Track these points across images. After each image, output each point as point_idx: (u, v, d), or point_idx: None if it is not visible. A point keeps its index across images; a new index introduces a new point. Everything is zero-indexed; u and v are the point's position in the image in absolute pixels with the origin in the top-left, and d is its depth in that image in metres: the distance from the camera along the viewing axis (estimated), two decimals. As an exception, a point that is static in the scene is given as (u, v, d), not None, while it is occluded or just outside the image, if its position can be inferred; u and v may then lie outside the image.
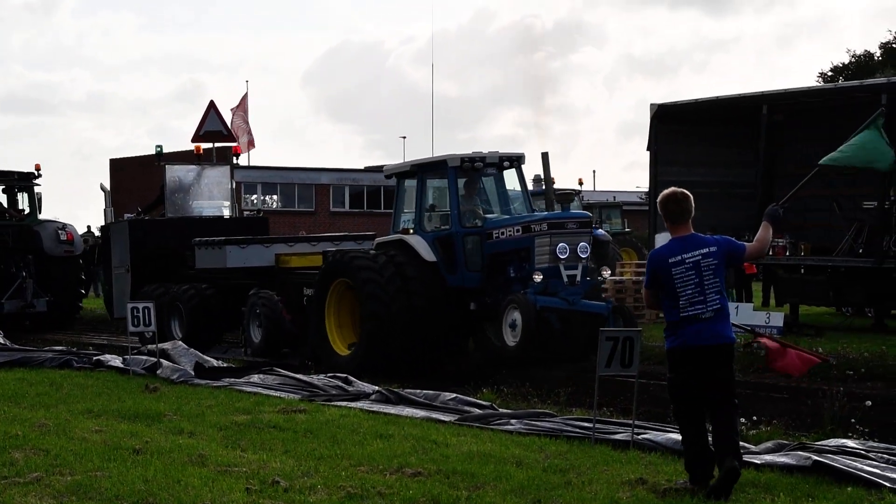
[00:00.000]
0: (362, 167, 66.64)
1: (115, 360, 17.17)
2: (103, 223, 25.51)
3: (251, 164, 55.06)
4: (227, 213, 25.16)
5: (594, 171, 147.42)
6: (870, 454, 9.26)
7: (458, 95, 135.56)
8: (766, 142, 21.85)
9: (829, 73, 62.65)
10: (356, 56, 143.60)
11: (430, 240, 17.48)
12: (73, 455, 10.28)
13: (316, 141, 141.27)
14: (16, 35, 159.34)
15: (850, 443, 9.70)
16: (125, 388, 14.95)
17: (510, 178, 18.34)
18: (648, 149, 23.58)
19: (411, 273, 17.16)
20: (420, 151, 71.11)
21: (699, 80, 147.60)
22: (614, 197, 53.84)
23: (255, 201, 57.46)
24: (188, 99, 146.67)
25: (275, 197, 59.57)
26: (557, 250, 16.17)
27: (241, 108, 47.68)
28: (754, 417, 11.13)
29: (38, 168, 27.62)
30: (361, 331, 17.40)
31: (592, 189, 64.43)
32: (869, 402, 12.17)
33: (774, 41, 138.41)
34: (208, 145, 26.95)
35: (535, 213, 17.29)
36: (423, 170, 17.93)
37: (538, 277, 16.02)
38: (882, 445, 9.65)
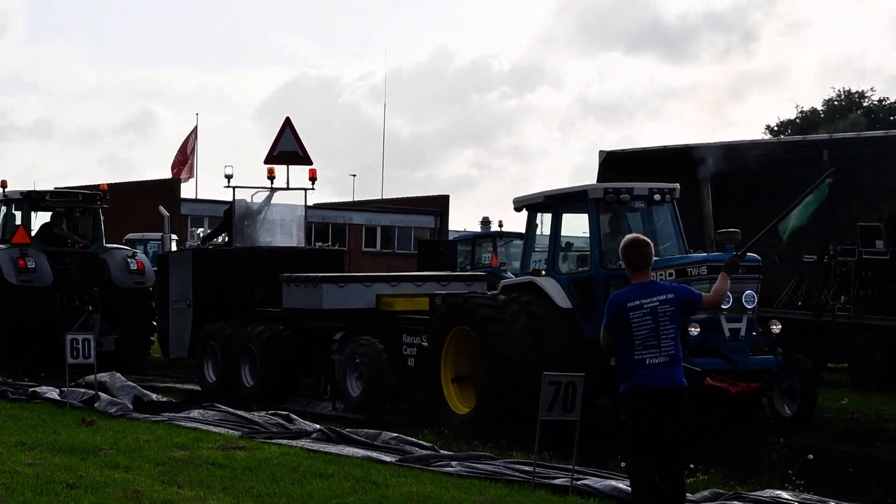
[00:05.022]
0: (311, 204, 66.67)
1: (52, 392, 16.91)
2: (162, 251, 22.76)
3: (198, 196, 54.94)
4: (300, 244, 22.81)
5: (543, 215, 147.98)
6: (802, 506, 9.37)
7: (410, 134, 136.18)
8: (710, 192, 22.08)
9: (776, 127, 63.78)
10: (311, 91, 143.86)
11: (564, 283, 15.17)
12: (5, 488, 10.15)
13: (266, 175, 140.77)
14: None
15: (784, 494, 9.79)
16: (61, 420, 14.74)
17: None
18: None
19: (543, 323, 14.71)
20: (370, 189, 71.33)
21: (653, 126, 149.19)
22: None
23: (201, 233, 57.24)
24: (139, 129, 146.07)
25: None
26: None
27: (186, 142, 47.71)
28: (692, 465, 11.17)
29: (104, 189, 25.30)
30: (483, 387, 14.86)
31: (541, 233, 64.70)
32: (811, 456, 12.19)
33: (727, 93, 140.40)
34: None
35: (692, 255, 14.93)
36: (559, 202, 15.72)
37: (694, 331, 13.58)
38: (815, 497, 9.74)
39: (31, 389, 17.39)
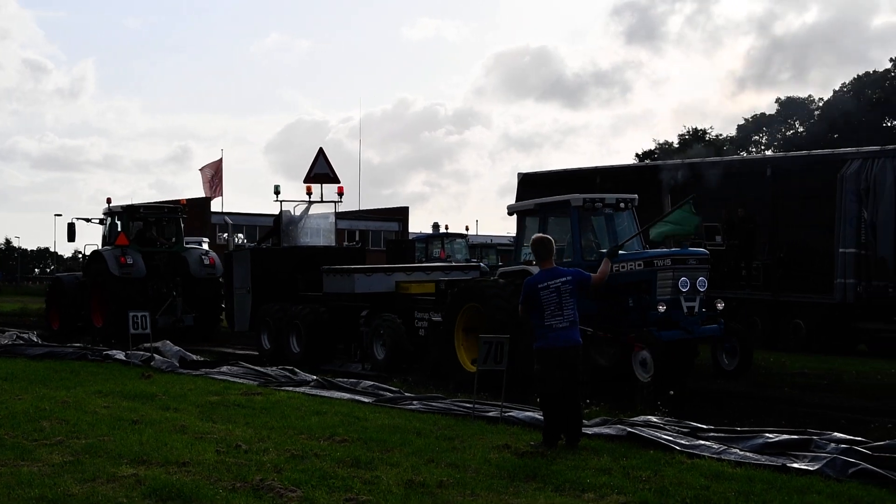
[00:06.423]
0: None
1: (120, 355, 16.75)
2: (227, 250, 21.77)
3: (224, 210, 54.35)
4: (331, 243, 21.87)
5: (477, 221, 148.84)
6: (666, 427, 9.44)
7: (379, 162, 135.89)
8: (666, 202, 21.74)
9: (641, 155, 64.27)
10: (305, 132, 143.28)
11: None
12: (87, 424, 10.13)
13: (272, 193, 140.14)
14: (49, 111, 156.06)
15: (653, 419, 9.86)
16: (127, 375, 14.66)
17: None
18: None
19: None
20: (351, 203, 70.73)
21: (557, 154, 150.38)
22: (491, 240, 54.16)
23: (226, 238, 56.69)
24: (179, 161, 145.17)
25: (241, 235, 58.73)
26: (679, 284, 13.31)
27: (213, 167, 46.93)
28: (588, 401, 11.25)
29: (183, 203, 24.54)
30: None
31: (476, 233, 64.79)
32: (672, 391, 12.32)
33: (610, 130, 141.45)
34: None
35: (657, 250, 13.99)
36: (546, 209, 14.75)
37: (662, 308, 13.17)
38: (675, 420, 9.83)
39: (104, 352, 17.21)
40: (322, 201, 21.68)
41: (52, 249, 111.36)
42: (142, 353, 16.47)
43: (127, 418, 10.47)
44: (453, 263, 21.99)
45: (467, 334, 14.52)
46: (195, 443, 9.08)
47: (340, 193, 21.59)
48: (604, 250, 14.20)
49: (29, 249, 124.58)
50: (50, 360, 16.76)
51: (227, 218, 22.04)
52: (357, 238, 56.52)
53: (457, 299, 14.77)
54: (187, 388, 12.98)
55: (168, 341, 17.38)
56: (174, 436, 9.44)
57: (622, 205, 14.57)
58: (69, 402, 11.71)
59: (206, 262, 23.14)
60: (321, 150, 22.82)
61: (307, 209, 21.60)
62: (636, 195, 14.78)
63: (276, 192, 20.98)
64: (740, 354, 14.06)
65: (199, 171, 46.48)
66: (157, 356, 16.06)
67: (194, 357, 16.40)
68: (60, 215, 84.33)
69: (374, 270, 17.91)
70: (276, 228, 21.75)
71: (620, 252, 13.56)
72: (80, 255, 28.21)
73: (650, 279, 13.47)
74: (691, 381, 14.18)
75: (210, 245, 27.85)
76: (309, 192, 21.31)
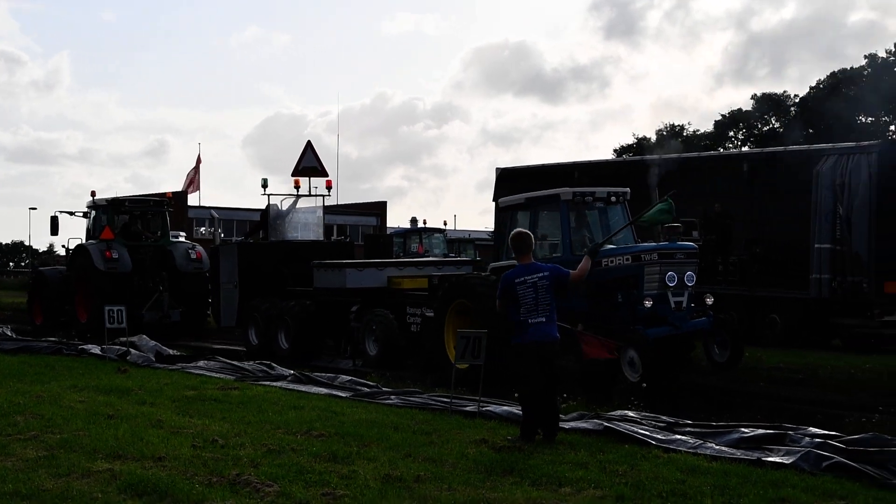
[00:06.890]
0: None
1: (95, 349, 16.65)
2: (213, 245, 21.53)
3: (201, 203, 54.04)
4: (319, 238, 21.44)
5: (455, 215, 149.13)
6: (643, 421, 9.47)
7: (357, 156, 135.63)
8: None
9: (620, 150, 64.47)
10: (283, 126, 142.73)
11: None
12: (62, 419, 10.05)
13: (251, 187, 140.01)
14: (25, 104, 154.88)
15: (630, 413, 9.89)
16: (102, 369, 14.57)
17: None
18: (494, 200, 23.81)
19: None
20: (328, 197, 70.08)
21: (536, 150, 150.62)
22: (469, 235, 54.21)
23: (204, 232, 56.35)
24: (156, 155, 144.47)
25: (219, 230, 58.33)
26: (666, 279, 13.06)
27: (194, 169, 46.83)
28: (565, 395, 11.29)
29: (168, 196, 24.31)
30: None
31: (454, 228, 64.75)
32: (644, 384, 12.41)
33: (588, 125, 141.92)
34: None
35: (645, 244, 13.84)
36: (536, 203, 14.52)
37: (648, 303, 12.98)
38: (651, 415, 9.87)
39: (79, 347, 17.13)
40: (310, 195, 21.40)
41: (26, 243, 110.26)
42: (118, 347, 16.37)
43: (102, 413, 10.41)
44: (447, 258, 21.77)
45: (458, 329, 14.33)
46: (171, 437, 9.03)
47: (329, 187, 21.31)
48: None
49: (3, 243, 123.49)
50: (24, 355, 16.66)
51: (213, 212, 21.82)
52: (335, 232, 56.39)
53: (446, 294, 14.55)
54: (163, 383, 12.92)
55: (144, 336, 17.27)
56: (150, 430, 9.39)
57: (613, 198, 14.31)
58: (44, 396, 11.62)
59: (193, 256, 22.73)
60: (309, 144, 22.50)
61: (294, 203, 21.31)
62: (628, 189, 14.61)
63: (264, 185, 20.67)
64: (731, 346, 14.05)
65: (185, 173, 46.54)
66: (133, 351, 15.96)
67: (171, 352, 16.32)
68: (35, 209, 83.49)
69: (365, 265, 17.66)
70: (263, 222, 21.41)
71: (609, 246, 13.38)
72: (61, 248, 27.79)
73: (637, 274, 13.26)
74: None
75: (187, 239, 27.70)
76: (297, 186, 21.01)
